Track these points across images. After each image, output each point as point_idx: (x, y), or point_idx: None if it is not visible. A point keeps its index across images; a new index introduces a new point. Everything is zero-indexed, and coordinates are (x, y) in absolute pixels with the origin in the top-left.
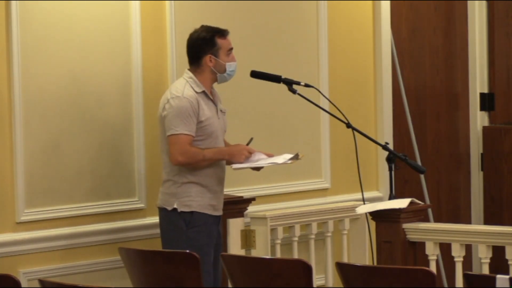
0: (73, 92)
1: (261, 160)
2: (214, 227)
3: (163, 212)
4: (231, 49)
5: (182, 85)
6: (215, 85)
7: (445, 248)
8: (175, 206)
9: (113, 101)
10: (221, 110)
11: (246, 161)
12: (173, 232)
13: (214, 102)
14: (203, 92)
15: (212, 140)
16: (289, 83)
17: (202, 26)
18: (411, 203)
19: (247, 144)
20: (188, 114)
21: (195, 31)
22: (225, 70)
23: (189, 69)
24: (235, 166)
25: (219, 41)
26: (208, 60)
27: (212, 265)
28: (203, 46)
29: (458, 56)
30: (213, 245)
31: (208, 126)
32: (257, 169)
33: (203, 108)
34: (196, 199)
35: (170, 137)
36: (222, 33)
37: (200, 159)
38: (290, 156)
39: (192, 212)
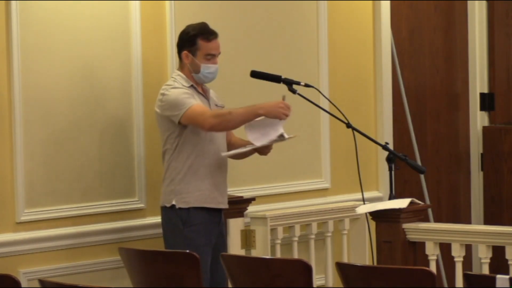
0: (73, 92)
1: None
2: (213, 227)
3: (163, 210)
4: (213, 54)
5: (172, 82)
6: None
7: (445, 248)
8: (173, 202)
9: (113, 101)
10: (216, 105)
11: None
12: (171, 231)
13: (205, 97)
14: (192, 86)
15: (207, 135)
16: (289, 83)
17: (196, 23)
18: (411, 203)
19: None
20: (187, 94)
21: (188, 25)
22: (199, 71)
23: (177, 69)
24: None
25: (200, 43)
26: (184, 56)
27: (214, 265)
28: (184, 41)
29: (458, 56)
30: (212, 244)
31: None
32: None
33: (196, 98)
34: (194, 194)
35: (186, 113)
36: (207, 36)
37: (228, 117)
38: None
39: (188, 210)
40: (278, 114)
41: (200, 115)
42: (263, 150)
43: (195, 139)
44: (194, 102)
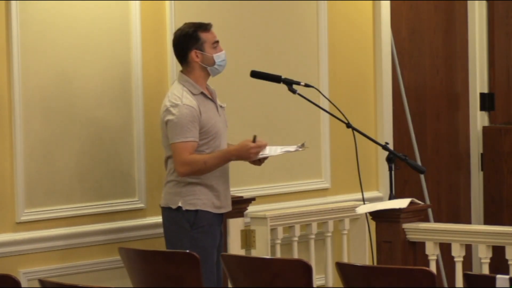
0: (73, 92)
1: (274, 149)
2: (217, 228)
3: (166, 212)
4: (217, 41)
5: (180, 92)
6: (211, 81)
7: (445, 248)
8: (179, 204)
9: (113, 101)
10: (220, 106)
11: (263, 151)
12: (177, 232)
13: (212, 100)
14: (201, 93)
15: (217, 139)
16: (289, 83)
17: (185, 24)
18: (411, 203)
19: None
20: (189, 120)
21: (178, 29)
22: (214, 62)
23: (181, 71)
24: (261, 155)
25: (203, 35)
26: (194, 56)
27: (216, 264)
28: (187, 42)
29: (458, 56)
30: (217, 245)
31: (212, 127)
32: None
33: (204, 111)
34: (200, 197)
35: (172, 146)
36: (205, 27)
37: (201, 168)
38: (295, 146)
39: (196, 212)
40: (249, 156)
41: (179, 157)
42: (261, 160)
43: (199, 148)
44: (189, 137)
